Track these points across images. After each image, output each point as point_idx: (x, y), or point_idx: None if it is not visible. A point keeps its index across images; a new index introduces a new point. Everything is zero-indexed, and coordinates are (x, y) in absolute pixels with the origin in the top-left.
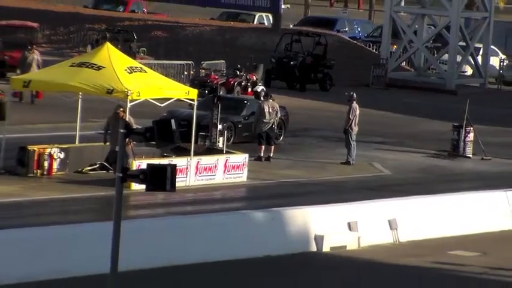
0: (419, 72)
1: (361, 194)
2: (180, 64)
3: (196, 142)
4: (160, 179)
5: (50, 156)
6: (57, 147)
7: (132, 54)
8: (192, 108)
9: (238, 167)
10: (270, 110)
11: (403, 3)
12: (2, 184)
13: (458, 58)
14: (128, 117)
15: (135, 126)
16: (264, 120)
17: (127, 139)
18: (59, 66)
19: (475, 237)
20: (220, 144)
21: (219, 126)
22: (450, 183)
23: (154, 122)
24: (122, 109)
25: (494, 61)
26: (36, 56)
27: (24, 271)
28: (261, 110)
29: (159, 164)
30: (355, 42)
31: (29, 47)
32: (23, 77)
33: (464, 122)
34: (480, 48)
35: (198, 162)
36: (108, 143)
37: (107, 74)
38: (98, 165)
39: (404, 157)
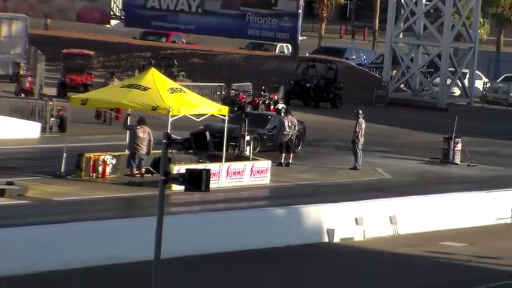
0: (415, 93)
1: (366, 194)
2: (214, 86)
3: (227, 150)
4: (196, 181)
5: (104, 162)
6: (110, 155)
7: (173, 78)
8: (224, 122)
9: (262, 171)
10: (290, 124)
11: (401, 36)
12: (64, 185)
13: (448, 81)
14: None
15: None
16: (284, 133)
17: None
18: (112, 87)
19: (463, 231)
20: (247, 153)
21: (247, 138)
22: (441, 185)
23: (192, 134)
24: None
25: (479, 84)
26: (115, 84)
27: (84, 257)
28: (281, 124)
29: (196, 169)
30: (361, 68)
31: (110, 76)
32: (81, 96)
33: (453, 134)
34: (467, 73)
35: (229, 167)
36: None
37: (152, 93)
38: (144, 170)
39: (402, 163)
